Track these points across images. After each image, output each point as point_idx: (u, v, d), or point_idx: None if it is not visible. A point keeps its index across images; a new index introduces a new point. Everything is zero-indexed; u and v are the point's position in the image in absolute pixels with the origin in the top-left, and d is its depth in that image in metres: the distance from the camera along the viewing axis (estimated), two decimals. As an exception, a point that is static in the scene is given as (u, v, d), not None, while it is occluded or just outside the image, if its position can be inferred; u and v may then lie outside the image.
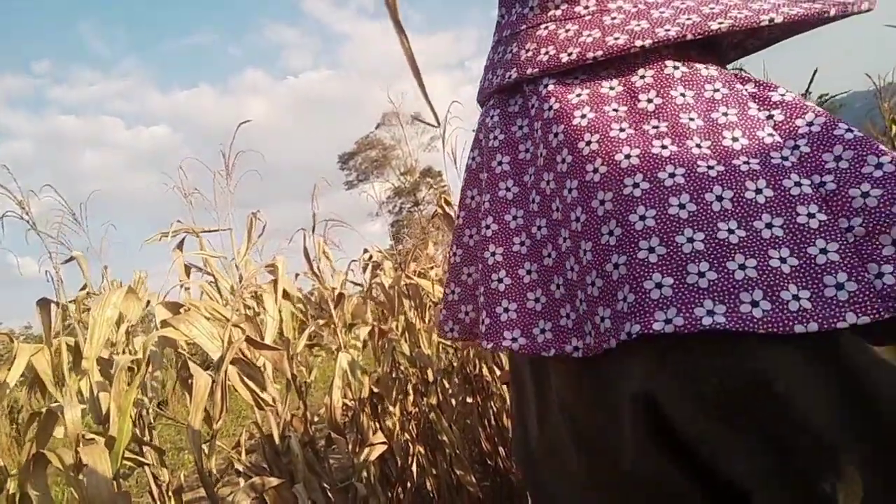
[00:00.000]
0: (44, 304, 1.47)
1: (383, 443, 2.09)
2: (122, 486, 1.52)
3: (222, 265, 2.06)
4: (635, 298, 0.45)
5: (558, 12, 0.60)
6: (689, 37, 0.52)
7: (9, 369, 1.56)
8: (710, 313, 0.43)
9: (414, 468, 2.46)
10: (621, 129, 0.52)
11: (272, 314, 1.85)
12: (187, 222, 2.02)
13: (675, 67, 0.55)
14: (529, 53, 0.60)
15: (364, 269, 2.73)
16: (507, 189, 0.60)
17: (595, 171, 0.51)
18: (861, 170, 0.45)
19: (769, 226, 0.45)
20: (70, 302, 1.71)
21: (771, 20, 0.50)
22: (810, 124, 0.49)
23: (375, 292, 2.72)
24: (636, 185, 0.49)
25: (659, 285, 0.45)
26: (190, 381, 1.55)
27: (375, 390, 2.35)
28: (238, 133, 2.00)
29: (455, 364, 2.83)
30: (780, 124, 0.50)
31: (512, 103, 0.63)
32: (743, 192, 0.47)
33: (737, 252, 0.45)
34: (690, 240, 0.46)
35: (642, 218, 0.47)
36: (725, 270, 0.44)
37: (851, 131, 0.47)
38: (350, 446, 2.17)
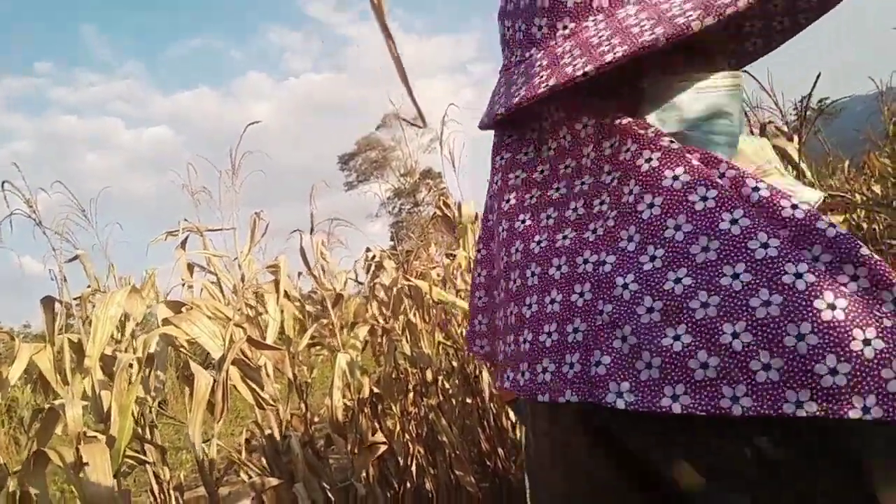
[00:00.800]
0: (48, 301, 1.47)
1: (383, 443, 2.09)
2: (121, 485, 1.52)
3: (225, 264, 2.07)
4: (581, 368, 0.49)
5: (514, 59, 0.59)
6: (592, 73, 0.50)
7: (10, 367, 1.56)
8: (675, 397, 0.44)
9: (413, 468, 2.46)
10: (522, 221, 0.56)
11: (273, 314, 1.86)
12: (191, 222, 2.03)
13: (575, 147, 0.56)
14: (516, 89, 0.57)
15: (367, 269, 2.74)
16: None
17: (515, 251, 0.56)
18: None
19: (553, 301, 0.52)
20: (76, 299, 1.72)
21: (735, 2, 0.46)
22: (631, 193, 0.49)
23: (377, 292, 2.72)
24: (533, 274, 0.54)
25: (597, 364, 0.47)
26: (191, 380, 1.55)
27: (376, 390, 2.35)
28: (238, 134, 2.00)
29: (455, 365, 2.83)
30: (609, 197, 0.51)
31: (511, 146, 0.63)
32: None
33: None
34: (552, 302, 0.52)
35: (552, 301, 0.52)
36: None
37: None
38: (350, 446, 2.17)
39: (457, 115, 2.39)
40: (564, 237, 0.53)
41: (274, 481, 1.66)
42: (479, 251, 0.66)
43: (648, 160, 0.48)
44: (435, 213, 2.58)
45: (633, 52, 0.48)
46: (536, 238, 0.55)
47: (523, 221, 0.56)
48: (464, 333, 2.86)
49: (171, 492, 1.96)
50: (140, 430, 1.84)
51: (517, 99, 0.54)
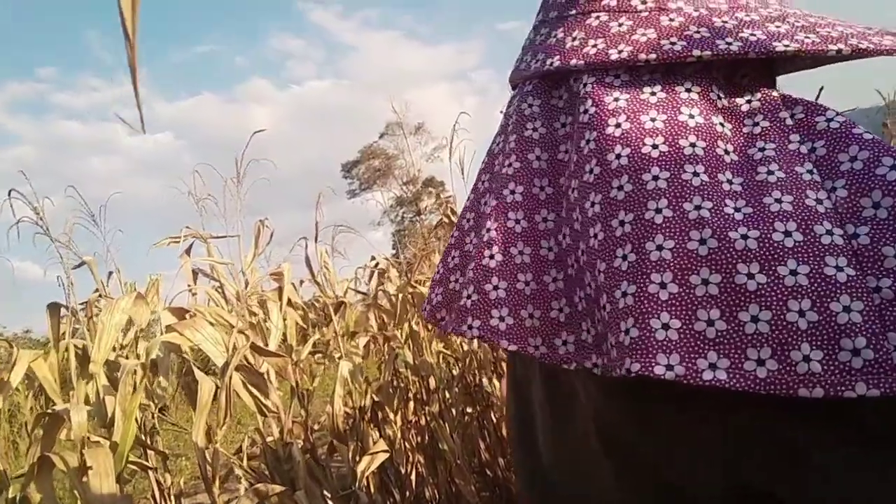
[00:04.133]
0: (53, 308, 1.48)
1: (385, 451, 2.09)
2: (123, 490, 1.52)
3: (229, 272, 2.08)
4: (639, 335, 0.42)
5: (612, 2, 0.55)
6: (752, 55, 0.48)
7: (9, 374, 1.57)
8: (713, 367, 0.41)
9: (413, 477, 2.45)
10: (654, 146, 0.48)
11: (276, 322, 1.86)
12: (194, 228, 2.04)
13: (719, 97, 0.51)
14: (576, 42, 0.55)
15: (370, 277, 2.75)
16: (542, 188, 0.56)
17: (620, 188, 0.47)
18: None
19: (794, 273, 0.41)
20: (82, 304, 1.72)
21: (839, 51, 0.47)
22: (853, 160, 0.44)
23: (381, 300, 2.72)
24: (658, 211, 0.45)
25: (665, 326, 0.42)
26: (193, 386, 1.56)
27: (376, 399, 2.35)
28: (241, 141, 2.02)
29: (455, 374, 2.84)
30: (822, 159, 0.46)
31: (556, 96, 0.59)
32: (770, 234, 0.43)
33: (752, 301, 0.41)
34: (706, 282, 0.42)
35: (659, 248, 0.44)
36: (736, 322, 0.41)
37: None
38: (351, 454, 2.17)
39: (466, 124, 2.41)
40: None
41: (276, 488, 1.66)
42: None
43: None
44: (441, 219, 2.59)
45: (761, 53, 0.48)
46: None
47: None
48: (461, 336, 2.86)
49: (172, 498, 1.96)
50: (142, 436, 1.85)
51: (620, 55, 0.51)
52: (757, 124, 0.49)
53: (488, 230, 0.57)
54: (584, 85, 0.54)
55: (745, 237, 0.43)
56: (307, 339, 2.38)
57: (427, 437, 2.57)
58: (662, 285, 0.43)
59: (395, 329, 2.69)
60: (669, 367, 0.41)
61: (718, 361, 0.41)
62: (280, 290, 1.96)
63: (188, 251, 2.01)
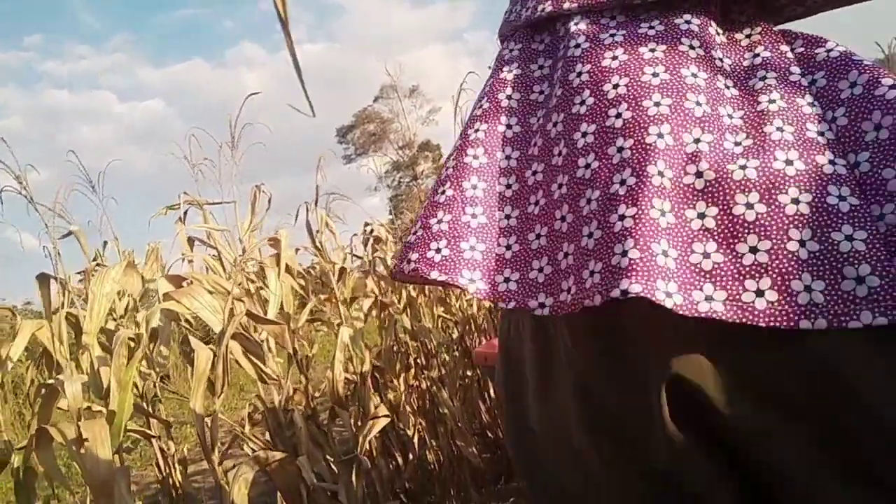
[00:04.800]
0: (43, 279, 1.45)
1: (386, 416, 2.10)
2: (124, 460, 1.53)
3: (226, 239, 2.05)
4: (640, 256, 0.40)
5: None
6: None
7: (12, 343, 1.56)
8: (709, 299, 0.40)
9: (416, 440, 2.48)
10: (654, 74, 0.47)
11: (274, 289, 1.84)
12: (190, 195, 2.01)
13: (717, 32, 0.50)
14: None
15: (365, 244, 2.72)
16: (509, 126, 0.55)
17: (618, 115, 0.46)
18: None
19: (795, 201, 0.40)
20: (78, 273, 1.71)
21: None
22: (853, 85, 0.43)
23: (377, 266, 2.71)
24: (660, 136, 0.44)
25: (665, 253, 0.41)
26: (192, 354, 1.55)
27: (377, 364, 2.36)
28: (232, 106, 1.97)
29: (454, 337, 2.84)
30: (822, 90, 0.45)
31: (537, 40, 0.58)
32: (771, 163, 0.42)
33: (750, 231, 0.40)
34: (702, 215, 0.42)
35: (660, 174, 0.43)
36: (734, 253, 0.40)
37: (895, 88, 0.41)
38: (352, 419, 2.18)
39: (471, 84, 2.36)
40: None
41: (278, 455, 1.67)
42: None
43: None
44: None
45: None
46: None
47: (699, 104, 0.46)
48: (463, 301, 2.86)
49: (176, 465, 1.98)
50: (144, 405, 1.85)
51: None
52: (757, 55, 0.49)
53: (447, 168, 0.56)
54: (576, 24, 0.53)
55: (743, 167, 0.42)
56: (305, 306, 2.37)
57: (428, 401, 2.59)
58: (662, 213, 0.42)
59: (393, 295, 2.68)
60: (668, 295, 0.40)
61: (715, 293, 0.40)
62: (277, 256, 1.94)
63: (183, 218, 1.98)
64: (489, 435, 2.85)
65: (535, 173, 0.52)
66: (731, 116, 0.46)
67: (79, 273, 1.88)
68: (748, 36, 0.50)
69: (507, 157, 0.54)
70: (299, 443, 1.95)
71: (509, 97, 0.56)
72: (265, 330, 1.79)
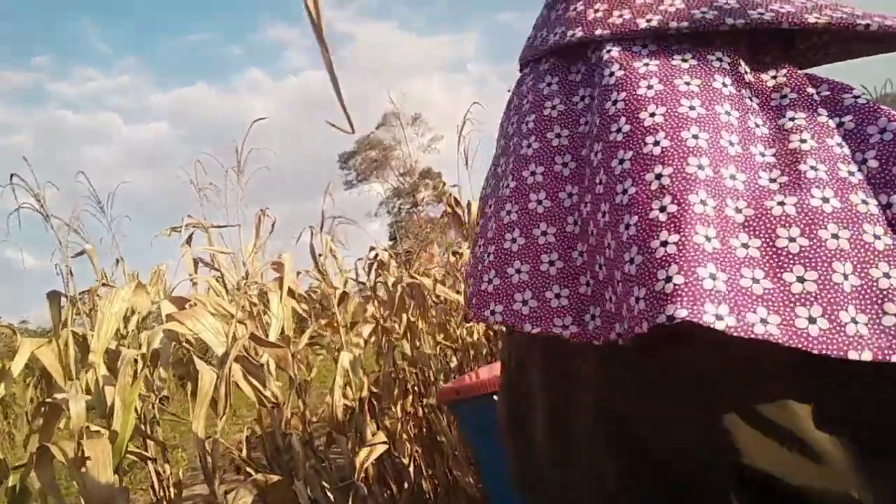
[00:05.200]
0: (54, 296, 1.46)
1: (383, 442, 2.09)
2: (122, 481, 1.52)
3: (232, 260, 2.07)
4: (685, 282, 0.40)
5: None
6: (785, 25, 0.49)
7: (10, 362, 1.56)
8: (764, 322, 0.40)
9: (412, 468, 2.46)
10: (691, 108, 0.47)
11: (276, 312, 1.86)
12: (196, 218, 2.03)
13: (746, 72, 0.51)
14: (599, 14, 0.55)
15: (369, 269, 2.74)
16: (564, 164, 0.55)
17: (656, 143, 0.46)
18: None
19: (835, 236, 0.42)
20: (83, 293, 1.72)
21: (867, 26, 0.48)
22: (882, 131, 0.45)
23: (378, 291, 2.72)
24: (700, 168, 0.44)
25: (713, 276, 0.41)
26: (194, 376, 1.55)
27: (375, 390, 2.35)
28: (236, 131, 2.01)
29: (453, 365, 2.84)
30: (851, 133, 0.47)
31: (574, 71, 0.58)
32: (808, 200, 0.43)
33: (796, 263, 0.41)
34: (745, 245, 0.43)
35: (703, 203, 0.43)
36: (782, 282, 0.41)
37: None
38: (349, 445, 2.17)
39: (458, 117, 2.40)
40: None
41: (275, 479, 1.66)
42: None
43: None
44: (445, 211, 2.58)
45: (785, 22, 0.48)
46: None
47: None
48: (464, 330, 2.86)
49: (171, 488, 1.96)
50: (143, 427, 1.84)
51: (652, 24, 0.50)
52: (785, 96, 0.50)
53: (508, 213, 0.55)
54: (609, 52, 0.53)
55: (781, 204, 0.43)
56: (304, 330, 2.37)
57: (425, 429, 2.57)
58: (707, 238, 0.42)
59: (393, 320, 2.68)
60: (719, 318, 0.40)
61: (769, 317, 0.40)
62: (280, 280, 1.95)
63: (189, 241, 2.00)
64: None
65: (586, 205, 0.52)
66: (763, 154, 0.47)
67: (82, 293, 1.89)
68: (774, 77, 0.51)
69: (569, 195, 0.54)
70: (296, 468, 1.94)
71: (558, 135, 0.56)
72: (267, 353, 1.80)
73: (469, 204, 2.55)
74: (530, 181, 0.55)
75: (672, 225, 0.43)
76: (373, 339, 2.58)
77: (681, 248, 0.42)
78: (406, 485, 2.44)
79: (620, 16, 0.53)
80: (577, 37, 0.55)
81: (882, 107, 0.46)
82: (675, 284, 0.41)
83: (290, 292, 2.08)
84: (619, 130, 0.49)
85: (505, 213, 0.56)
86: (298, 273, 2.64)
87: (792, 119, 0.48)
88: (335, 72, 0.51)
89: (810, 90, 0.49)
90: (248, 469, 1.87)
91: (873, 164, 0.45)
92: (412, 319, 2.63)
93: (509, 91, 0.66)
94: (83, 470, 1.23)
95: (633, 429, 0.47)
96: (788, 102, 0.49)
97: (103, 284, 1.75)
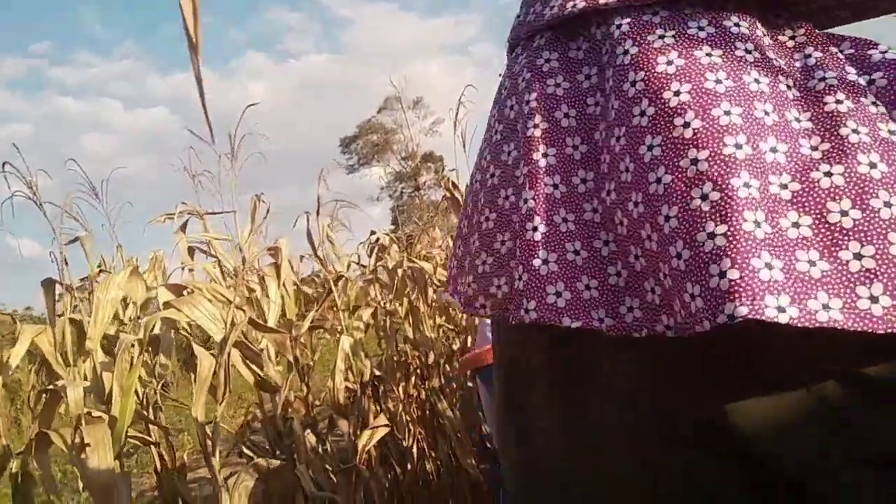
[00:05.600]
0: (48, 284, 1.46)
1: (385, 425, 2.10)
2: (123, 466, 1.53)
3: (229, 247, 2.07)
4: (740, 276, 0.38)
5: None
6: None
7: (10, 349, 1.56)
8: (826, 308, 0.38)
9: (415, 450, 2.47)
10: (717, 81, 0.44)
11: (274, 297, 1.85)
12: (192, 204, 2.02)
13: (764, 34, 0.47)
14: None
15: (370, 252, 2.73)
16: (575, 147, 0.51)
17: (686, 125, 0.43)
18: None
19: (888, 204, 0.39)
20: (82, 279, 1.71)
21: None
22: None
23: (380, 275, 2.72)
24: (738, 147, 0.41)
25: (769, 266, 0.38)
26: (193, 362, 1.55)
27: (377, 373, 2.36)
28: (237, 116, 1.99)
29: (456, 347, 2.84)
30: (883, 90, 0.43)
31: (574, 48, 0.53)
32: (855, 167, 0.40)
33: (851, 238, 0.39)
34: (796, 224, 0.40)
35: (746, 185, 0.40)
36: (838, 261, 0.39)
37: None
38: (352, 429, 2.18)
39: (471, 97, 2.36)
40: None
41: (277, 463, 1.67)
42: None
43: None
44: (444, 196, 2.56)
45: None
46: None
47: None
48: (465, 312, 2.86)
49: (175, 472, 1.98)
50: (144, 411, 1.85)
51: None
52: (809, 55, 0.46)
53: (526, 200, 0.51)
54: (619, 26, 0.49)
55: (828, 174, 0.40)
56: (307, 314, 2.37)
57: (427, 411, 2.59)
58: (757, 224, 0.39)
59: (394, 304, 2.68)
60: (781, 310, 0.37)
61: (831, 301, 0.38)
62: (276, 265, 1.95)
63: (184, 228, 1.99)
64: (488, 446, 2.84)
65: (608, 193, 0.49)
66: (798, 120, 0.44)
67: (82, 280, 1.88)
68: (792, 37, 0.48)
69: (584, 181, 0.51)
70: (298, 452, 1.95)
71: (566, 115, 0.52)
72: (266, 338, 1.80)
73: (467, 187, 2.54)
74: (543, 164, 0.51)
75: (717, 214, 0.40)
76: (374, 322, 2.58)
77: (731, 238, 0.39)
78: (409, 467, 2.46)
79: None
80: (578, 7, 0.50)
81: None
82: (730, 280, 0.38)
83: (294, 276, 2.08)
84: (642, 114, 0.45)
85: (522, 201, 0.52)
86: (302, 257, 2.64)
87: (823, 79, 0.44)
88: (202, 79, 0.47)
89: (832, 48, 0.46)
90: (250, 453, 1.88)
91: None
92: (414, 303, 2.63)
93: (500, 76, 0.61)
94: (83, 456, 1.24)
95: (659, 427, 0.45)
96: (815, 62, 0.45)
97: (102, 271, 1.75)
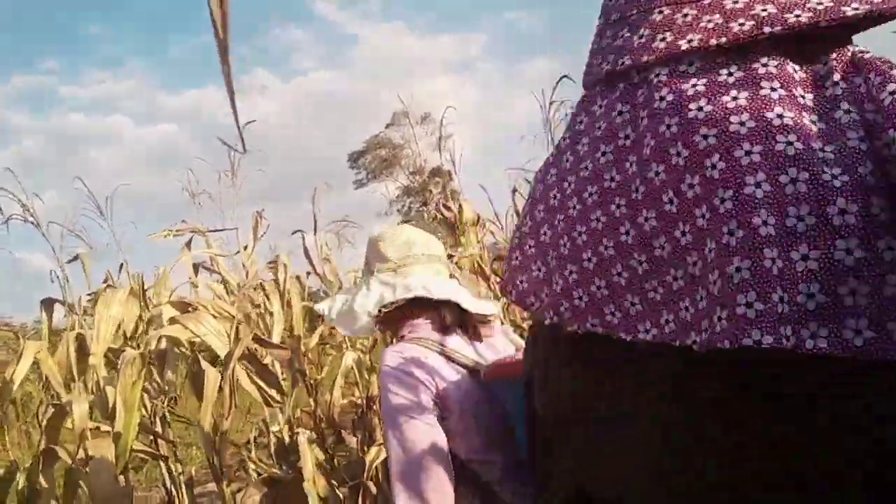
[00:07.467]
0: (48, 303, 1.47)
1: (392, 441, 2.09)
2: (129, 480, 1.53)
3: (232, 263, 2.08)
4: (765, 308, 0.43)
5: None
6: (823, 23, 0.48)
7: (15, 366, 1.57)
8: (814, 336, 0.42)
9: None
10: (741, 123, 0.48)
11: (277, 312, 1.86)
12: (197, 222, 2.04)
13: (795, 70, 0.51)
14: (643, 39, 0.56)
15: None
16: (612, 179, 0.57)
17: (713, 166, 0.47)
18: None
19: (890, 248, 0.42)
20: (89, 294, 1.72)
21: None
22: None
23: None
24: (758, 185, 0.45)
25: (781, 300, 0.43)
26: (200, 377, 1.56)
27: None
28: (248, 133, 2.01)
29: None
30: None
31: (614, 90, 0.60)
32: (869, 208, 0.43)
33: (850, 276, 0.42)
34: (805, 258, 0.43)
35: (765, 223, 0.44)
36: (835, 295, 0.42)
37: None
38: (358, 444, 2.17)
39: (460, 117, 2.39)
40: None
41: (283, 477, 1.66)
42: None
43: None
44: (436, 215, 2.57)
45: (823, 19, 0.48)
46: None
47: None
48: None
49: (183, 486, 1.97)
50: (152, 426, 1.85)
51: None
52: (837, 83, 0.49)
53: (577, 232, 0.59)
54: (657, 76, 0.55)
55: (843, 213, 0.43)
56: (315, 329, 2.37)
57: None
58: (773, 260, 0.44)
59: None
60: (787, 338, 0.42)
61: (819, 330, 0.42)
62: (276, 281, 1.96)
63: (189, 245, 2.00)
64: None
65: (647, 219, 0.53)
66: (823, 150, 0.46)
67: (89, 294, 1.90)
68: (825, 64, 0.51)
69: (618, 207, 0.56)
70: (305, 466, 1.94)
71: (604, 153, 0.58)
72: (270, 354, 1.80)
73: (460, 206, 2.55)
74: (590, 201, 0.58)
75: (742, 250, 0.45)
76: (381, 336, 2.57)
77: (754, 273, 0.44)
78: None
79: (663, 39, 0.55)
80: (625, 64, 0.57)
81: None
82: (756, 310, 0.43)
83: (301, 291, 2.08)
84: (678, 154, 0.50)
85: (577, 232, 0.59)
86: (308, 273, 2.65)
87: (847, 112, 0.48)
88: (234, 89, 0.48)
89: (857, 80, 0.49)
90: (258, 469, 1.87)
91: None
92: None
93: (570, 111, 0.70)
94: (87, 470, 1.24)
95: (706, 443, 0.48)
96: (840, 92, 0.49)
97: (109, 286, 1.76)
